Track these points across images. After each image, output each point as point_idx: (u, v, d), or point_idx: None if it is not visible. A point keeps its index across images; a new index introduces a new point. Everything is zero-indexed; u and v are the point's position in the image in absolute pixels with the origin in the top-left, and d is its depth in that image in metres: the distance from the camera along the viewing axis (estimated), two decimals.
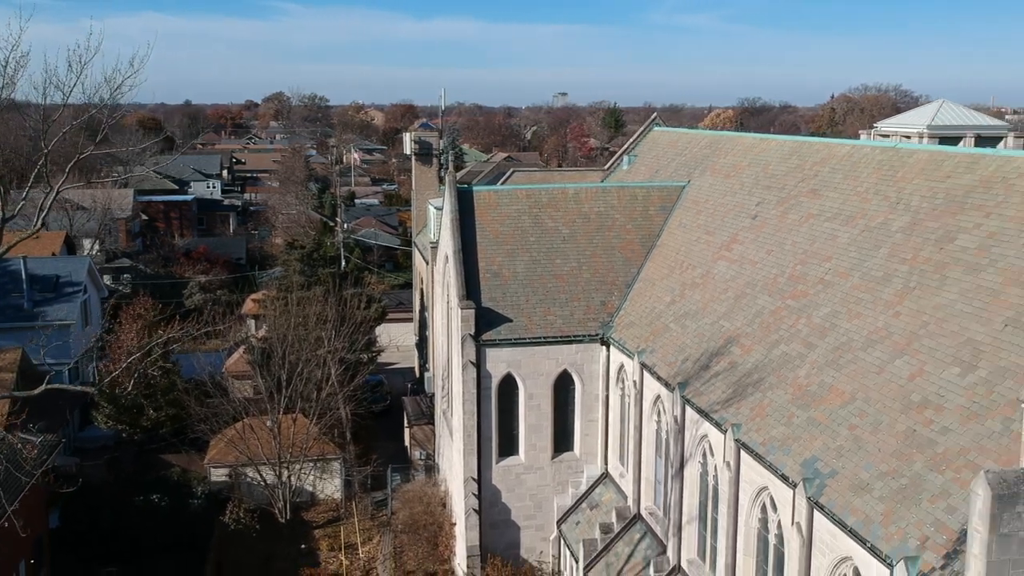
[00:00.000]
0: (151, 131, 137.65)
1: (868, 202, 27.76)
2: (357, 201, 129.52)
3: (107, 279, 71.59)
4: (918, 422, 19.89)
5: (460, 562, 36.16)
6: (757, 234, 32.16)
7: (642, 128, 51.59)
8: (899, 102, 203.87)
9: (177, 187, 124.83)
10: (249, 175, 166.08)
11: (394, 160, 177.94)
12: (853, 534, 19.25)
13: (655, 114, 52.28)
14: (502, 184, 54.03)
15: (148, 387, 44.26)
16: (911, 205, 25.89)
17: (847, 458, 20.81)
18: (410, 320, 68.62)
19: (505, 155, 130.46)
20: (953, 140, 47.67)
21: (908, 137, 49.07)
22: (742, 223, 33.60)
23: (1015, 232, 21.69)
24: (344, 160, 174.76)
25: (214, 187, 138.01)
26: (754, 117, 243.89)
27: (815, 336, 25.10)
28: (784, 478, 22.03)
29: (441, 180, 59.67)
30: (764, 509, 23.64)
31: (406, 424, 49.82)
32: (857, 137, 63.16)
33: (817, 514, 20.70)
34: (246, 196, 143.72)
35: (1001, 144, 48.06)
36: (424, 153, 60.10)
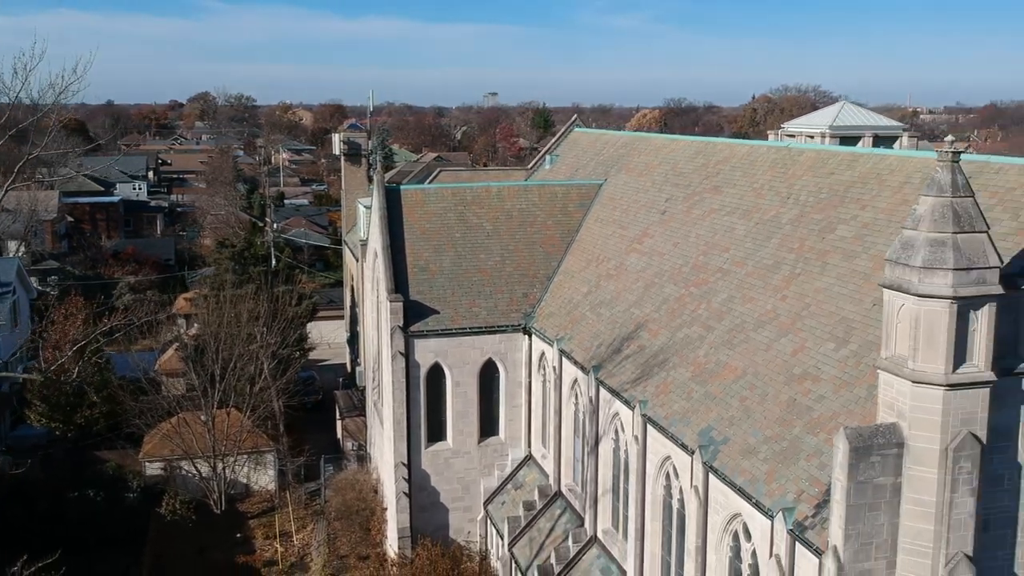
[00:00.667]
0: (74, 132, 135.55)
1: (763, 197, 30.28)
2: (286, 201, 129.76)
3: (34, 280, 71.29)
4: (798, 392, 22.32)
5: (392, 544, 37.79)
6: (665, 228, 34.53)
7: (564, 129, 53.79)
8: (817, 102, 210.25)
9: (103, 188, 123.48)
10: (176, 176, 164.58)
11: (323, 160, 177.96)
12: (741, 492, 21.57)
13: (575, 116, 54.58)
14: (429, 183, 55.74)
15: (82, 384, 44.90)
16: (799, 199, 28.45)
17: (738, 426, 23.16)
18: (341, 318, 69.92)
19: (435, 155, 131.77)
20: (853, 140, 50.94)
21: (812, 137, 52.22)
22: (652, 218, 35.96)
23: (885, 222, 24.27)
24: (272, 160, 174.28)
25: (140, 188, 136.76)
26: (679, 117, 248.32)
27: (713, 319, 27.47)
28: (684, 447, 24.30)
29: (370, 180, 61.09)
30: (668, 477, 25.90)
31: (338, 416, 51.26)
32: (767, 137, 66.44)
33: (712, 477, 22.99)
34: (173, 197, 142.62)
35: (896, 144, 51.47)
36: (353, 153, 61.52)
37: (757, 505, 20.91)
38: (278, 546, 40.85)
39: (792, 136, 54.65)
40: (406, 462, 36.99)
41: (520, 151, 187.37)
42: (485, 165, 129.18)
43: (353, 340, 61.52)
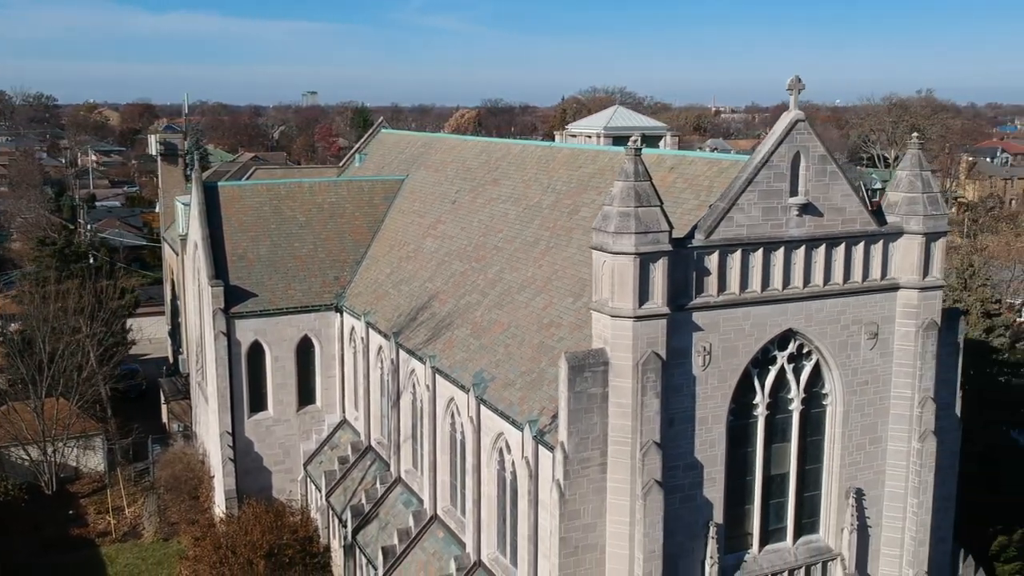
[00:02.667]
0: None
1: (530, 187, 36.58)
2: (98, 203, 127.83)
3: None
4: (546, 336, 28.52)
5: (219, 506, 41.78)
6: (455, 215, 40.35)
7: (372, 130, 58.87)
8: (623, 103, 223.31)
9: None
10: None
11: (134, 162, 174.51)
12: (503, 415, 27.55)
13: (381, 118, 59.75)
14: (245, 180, 59.39)
15: None
16: (556, 188, 34.87)
17: (502, 367, 29.17)
18: (161, 314, 72.09)
19: (252, 155, 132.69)
20: (624, 139, 58.30)
21: (590, 136, 59.54)
22: (445, 207, 41.71)
23: None
24: (80, 162, 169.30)
25: None
26: (495, 117, 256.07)
27: (488, 287, 33.47)
28: (462, 387, 30.10)
29: (187, 179, 63.99)
30: (452, 415, 31.65)
31: (163, 401, 54.31)
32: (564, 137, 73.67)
33: (482, 408, 28.88)
34: None
35: (661, 142, 59.50)
36: (170, 154, 64.17)
37: (513, 423, 26.95)
38: (111, 519, 43.94)
39: (575, 136, 61.90)
40: (231, 431, 41.08)
41: (340, 151, 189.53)
42: (299, 164, 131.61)
43: (175, 332, 64.14)
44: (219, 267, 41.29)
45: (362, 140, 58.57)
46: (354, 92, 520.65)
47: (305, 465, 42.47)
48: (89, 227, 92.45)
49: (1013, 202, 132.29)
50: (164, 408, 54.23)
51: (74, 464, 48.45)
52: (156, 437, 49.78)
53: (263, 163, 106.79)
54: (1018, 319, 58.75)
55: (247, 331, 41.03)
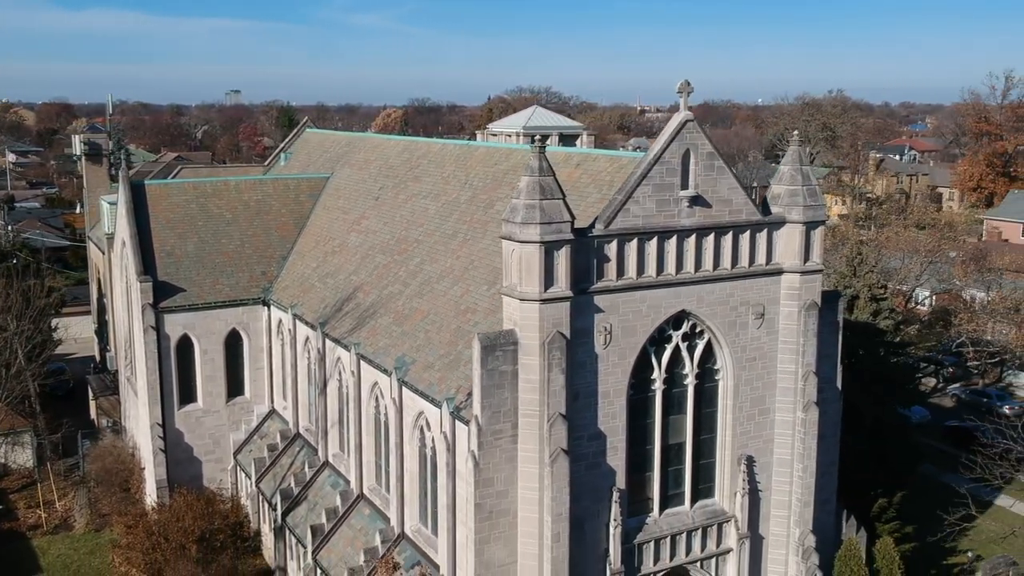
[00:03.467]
0: None
1: (448, 184, 38.62)
2: (17, 205, 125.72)
3: None
4: (463, 321, 30.60)
5: (151, 496, 42.88)
6: (379, 211, 42.16)
7: (296, 130, 60.21)
8: (548, 103, 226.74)
9: None
10: None
11: (53, 162, 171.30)
12: (423, 395, 29.57)
13: (307, 118, 61.14)
14: (172, 179, 60.16)
15: None
16: (473, 184, 36.97)
17: (422, 351, 31.17)
18: (87, 314, 72.12)
19: (175, 155, 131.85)
20: (543, 137, 60.71)
21: (509, 135, 61.84)
22: (368, 203, 43.48)
23: None
24: None
25: None
26: (422, 116, 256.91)
27: (409, 278, 35.42)
28: (385, 371, 32.02)
29: (112, 179, 64.42)
30: (376, 398, 33.53)
31: (92, 398, 54.89)
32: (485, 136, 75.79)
33: (404, 389, 30.84)
34: None
35: (578, 141, 62.11)
36: (94, 154, 64.44)
37: (432, 401, 28.99)
38: (41, 512, 44.61)
39: (495, 135, 64.15)
40: (161, 423, 42.23)
41: (265, 150, 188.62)
42: (225, 163, 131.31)
43: (102, 330, 64.48)
44: (147, 263, 42.38)
45: (287, 139, 59.87)
46: (279, 91, 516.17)
47: (235, 454, 43.80)
48: (9, 228, 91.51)
49: (918, 197, 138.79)
50: (93, 404, 54.81)
51: (2, 460, 48.85)
52: (86, 432, 50.45)
53: (187, 163, 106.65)
54: (907, 304, 62.85)
55: (176, 325, 42.21)
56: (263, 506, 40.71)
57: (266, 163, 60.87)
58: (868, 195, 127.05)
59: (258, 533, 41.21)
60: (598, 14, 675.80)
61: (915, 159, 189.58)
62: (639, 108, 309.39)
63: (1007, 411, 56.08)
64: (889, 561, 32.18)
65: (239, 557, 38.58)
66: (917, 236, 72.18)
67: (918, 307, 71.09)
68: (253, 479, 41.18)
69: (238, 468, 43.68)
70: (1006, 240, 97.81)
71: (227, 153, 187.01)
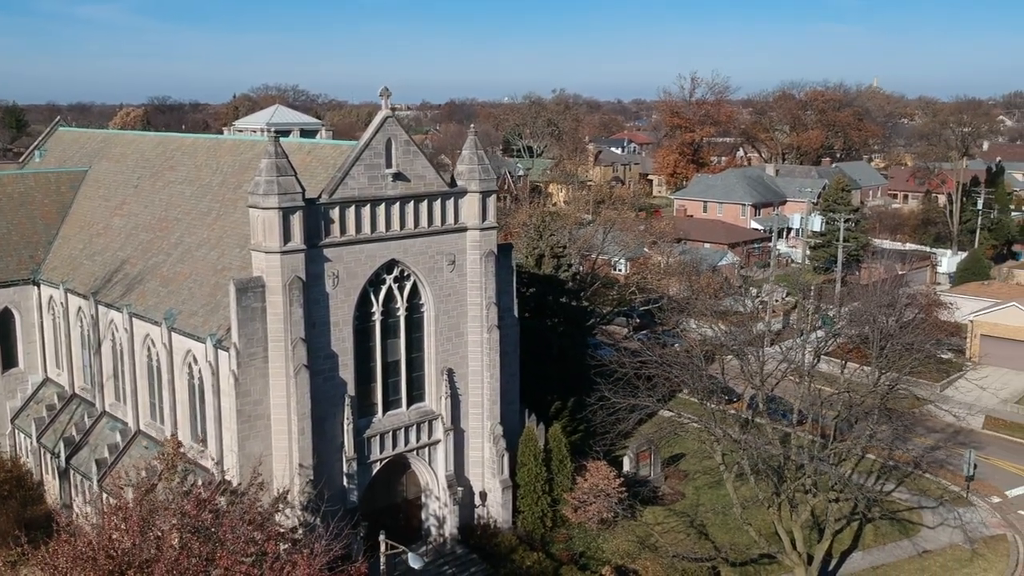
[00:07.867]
0: None
1: (201, 171, 45.96)
2: None
3: None
4: (221, 278, 38.36)
5: None
6: (138, 197, 48.63)
7: (49, 128, 64.21)
8: (295, 101, 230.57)
9: None
10: None
11: None
12: (190, 336, 37.22)
13: (59, 117, 65.23)
14: None
15: None
16: (223, 170, 44.60)
17: (188, 304, 38.71)
18: None
19: None
20: (285, 133, 68.49)
21: (254, 131, 68.92)
22: (128, 191, 49.74)
23: None
24: None
25: None
26: (163, 115, 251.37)
27: (172, 249, 42.61)
28: (155, 323, 39.23)
29: None
30: (148, 348, 40.58)
31: None
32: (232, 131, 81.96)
33: (174, 335, 38.28)
34: None
35: (317, 135, 70.18)
36: None
37: (198, 339, 36.75)
38: None
39: (241, 131, 70.95)
40: None
41: None
42: None
43: None
44: None
45: (41, 137, 63.82)
46: (3, 90, 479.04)
47: (13, 420, 48.68)
48: None
49: (630, 183, 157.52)
50: None
51: None
52: None
53: None
54: (603, 268, 76.29)
55: None
56: (45, 457, 46.15)
57: (20, 160, 64.40)
58: (587, 183, 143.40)
59: (41, 483, 46.60)
60: (345, 12, 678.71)
61: (635, 151, 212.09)
62: (404, 106, 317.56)
63: (676, 348, 70.32)
64: (558, 443, 43.34)
65: (24, 506, 44.05)
66: (629, 216, 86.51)
67: (615, 273, 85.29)
68: (34, 437, 46.47)
69: (16, 431, 48.59)
70: (691, 216, 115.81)
71: None
